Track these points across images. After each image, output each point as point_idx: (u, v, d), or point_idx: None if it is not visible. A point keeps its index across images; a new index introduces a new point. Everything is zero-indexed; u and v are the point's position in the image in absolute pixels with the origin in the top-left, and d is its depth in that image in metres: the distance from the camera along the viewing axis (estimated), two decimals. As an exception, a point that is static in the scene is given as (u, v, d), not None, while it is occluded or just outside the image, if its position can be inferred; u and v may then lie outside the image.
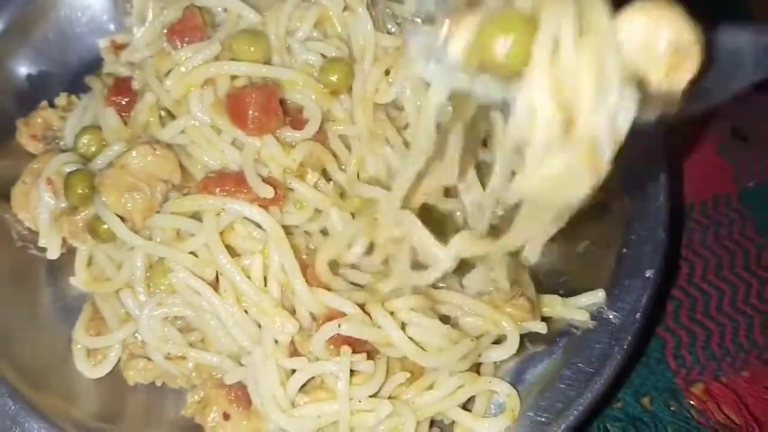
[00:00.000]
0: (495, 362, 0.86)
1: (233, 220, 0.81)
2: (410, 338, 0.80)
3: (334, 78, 0.85)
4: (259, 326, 0.81)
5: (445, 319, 0.83)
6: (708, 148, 1.16)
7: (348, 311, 0.80)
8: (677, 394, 0.97)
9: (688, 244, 1.08)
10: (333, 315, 0.80)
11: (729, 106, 0.63)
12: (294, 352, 0.81)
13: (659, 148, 0.96)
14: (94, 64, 1.02)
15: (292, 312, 0.81)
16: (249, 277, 0.81)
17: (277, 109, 0.83)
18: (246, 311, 0.81)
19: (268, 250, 0.81)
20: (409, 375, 0.81)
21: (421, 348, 0.81)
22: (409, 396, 0.82)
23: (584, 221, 0.95)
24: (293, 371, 0.80)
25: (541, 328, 0.85)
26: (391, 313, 0.80)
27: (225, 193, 0.81)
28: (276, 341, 0.80)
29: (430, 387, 0.82)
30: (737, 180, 1.14)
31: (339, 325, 0.78)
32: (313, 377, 0.81)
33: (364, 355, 0.79)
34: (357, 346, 0.80)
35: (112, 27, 1.07)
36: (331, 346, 0.79)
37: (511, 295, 0.84)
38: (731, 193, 1.13)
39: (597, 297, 0.87)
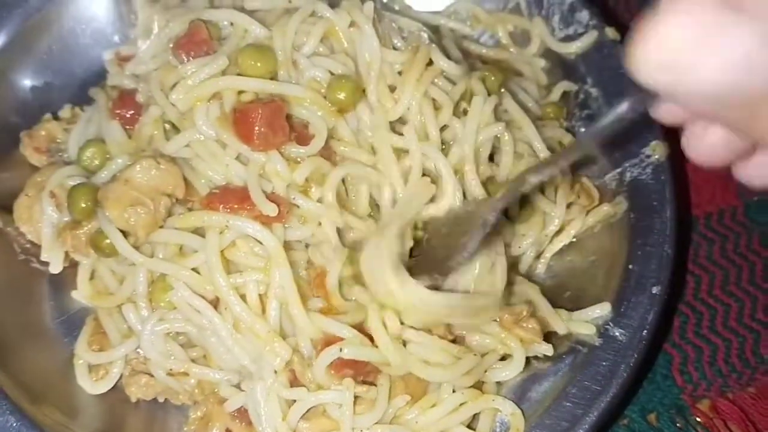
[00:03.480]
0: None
1: (236, 237, 0.81)
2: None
3: (341, 95, 0.84)
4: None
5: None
6: (713, 161, 1.15)
7: (345, 335, 0.79)
8: (684, 410, 0.96)
9: (694, 258, 1.08)
10: (331, 340, 0.79)
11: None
12: (294, 380, 0.80)
13: (666, 162, 0.95)
14: (99, 77, 1.02)
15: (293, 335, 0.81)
16: (246, 298, 0.80)
17: (284, 125, 0.82)
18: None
19: (269, 266, 0.80)
20: (409, 398, 0.81)
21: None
22: (413, 416, 0.81)
23: (590, 236, 0.97)
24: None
25: (547, 350, 0.84)
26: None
27: (229, 210, 0.80)
28: (276, 372, 0.79)
29: (434, 406, 0.81)
30: (741, 193, 1.13)
31: (341, 350, 0.77)
32: (314, 404, 0.80)
33: (366, 387, 0.79)
34: (359, 367, 0.79)
35: (116, 39, 1.06)
36: (332, 372, 0.78)
37: (521, 317, 0.83)
38: (736, 207, 1.12)
39: (603, 310, 0.87)
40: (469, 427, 0.82)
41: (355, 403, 0.79)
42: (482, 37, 1.12)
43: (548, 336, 0.86)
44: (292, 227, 0.83)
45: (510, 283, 0.90)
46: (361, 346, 0.78)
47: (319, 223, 0.84)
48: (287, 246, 0.82)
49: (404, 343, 0.79)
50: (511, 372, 0.84)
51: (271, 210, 0.79)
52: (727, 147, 0.55)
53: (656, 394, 0.97)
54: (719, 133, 0.55)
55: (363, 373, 0.79)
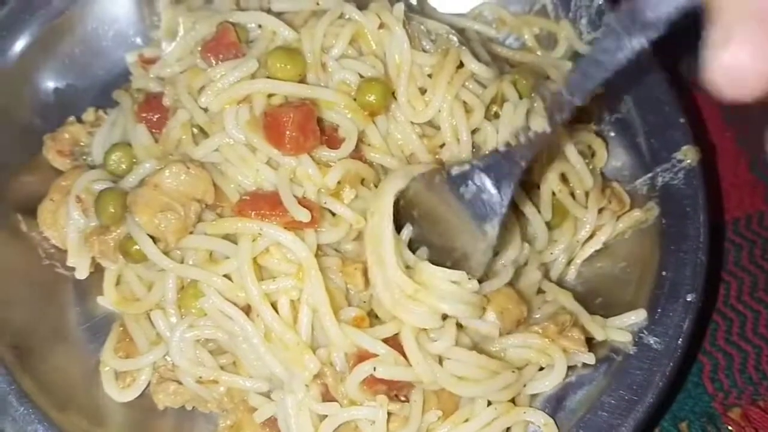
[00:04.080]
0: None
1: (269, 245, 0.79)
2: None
3: (371, 98, 0.83)
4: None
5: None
6: (741, 166, 1.14)
7: (379, 351, 0.77)
8: (715, 418, 0.95)
9: (723, 264, 1.06)
10: (364, 355, 0.77)
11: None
12: (326, 394, 0.78)
13: (698, 167, 0.94)
14: (122, 79, 1.01)
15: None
16: (277, 306, 0.79)
17: (315, 129, 0.81)
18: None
19: (302, 273, 0.79)
20: (441, 414, 0.79)
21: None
22: (445, 431, 0.79)
23: (620, 242, 0.96)
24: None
25: (589, 359, 0.83)
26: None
27: (261, 217, 0.78)
28: (306, 385, 0.78)
29: (466, 421, 0.80)
30: (768, 198, 1.12)
31: (375, 368, 0.76)
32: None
33: (399, 405, 0.78)
34: (392, 382, 0.77)
35: (139, 41, 1.05)
36: (365, 387, 0.77)
37: (565, 327, 0.82)
38: (763, 212, 1.11)
39: (639, 317, 0.85)
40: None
41: (388, 419, 0.77)
42: (507, 40, 1.11)
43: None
44: (324, 230, 0.82)
45: (541, 291, 0.89)
46: (394, 365, 0.77)
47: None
48: (319, 251, 0.80)
49: (440, 360, 0.78)
50: (550, 383, 0.82)
51: (303, 216, 0.78)
52: None
53: (687, 402, 0.96)
54: None
55: (396, 388, 0.78)
